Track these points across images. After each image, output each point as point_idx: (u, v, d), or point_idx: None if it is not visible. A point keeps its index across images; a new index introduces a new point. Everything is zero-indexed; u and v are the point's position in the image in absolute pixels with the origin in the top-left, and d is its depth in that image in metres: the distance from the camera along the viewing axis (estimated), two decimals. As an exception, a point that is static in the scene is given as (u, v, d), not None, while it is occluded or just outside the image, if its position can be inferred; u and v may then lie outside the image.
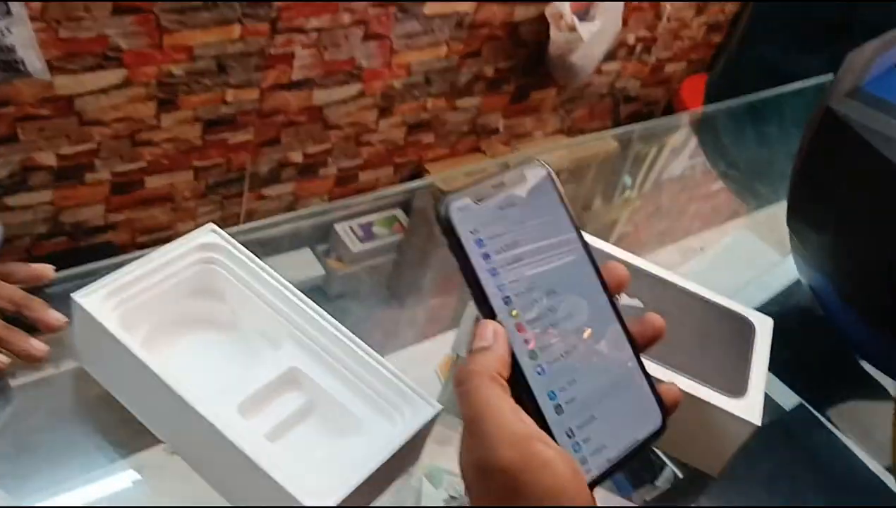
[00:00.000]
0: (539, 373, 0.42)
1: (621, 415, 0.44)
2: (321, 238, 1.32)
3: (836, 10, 1.36)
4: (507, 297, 0.42)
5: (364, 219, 1.38)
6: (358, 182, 2.20)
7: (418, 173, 2.31)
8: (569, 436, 0.42)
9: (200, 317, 0.57)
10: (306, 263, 1.54)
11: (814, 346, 0.82)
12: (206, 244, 0.57)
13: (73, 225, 1.77)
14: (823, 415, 0.77)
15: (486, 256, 0.42)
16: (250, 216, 2.03)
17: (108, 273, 0.54)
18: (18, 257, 1.72)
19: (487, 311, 0.42)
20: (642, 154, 1.36)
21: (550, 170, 0.46)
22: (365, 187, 2.23)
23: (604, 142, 1.40)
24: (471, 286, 0.42)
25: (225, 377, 0.54)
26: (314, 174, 2.09)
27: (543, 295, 0.43)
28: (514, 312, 0.42)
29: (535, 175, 0.45)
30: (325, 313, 0.56)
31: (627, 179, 1.33)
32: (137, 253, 0.58)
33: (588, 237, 0.66)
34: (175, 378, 0.49)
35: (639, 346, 0.46)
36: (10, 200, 1.65)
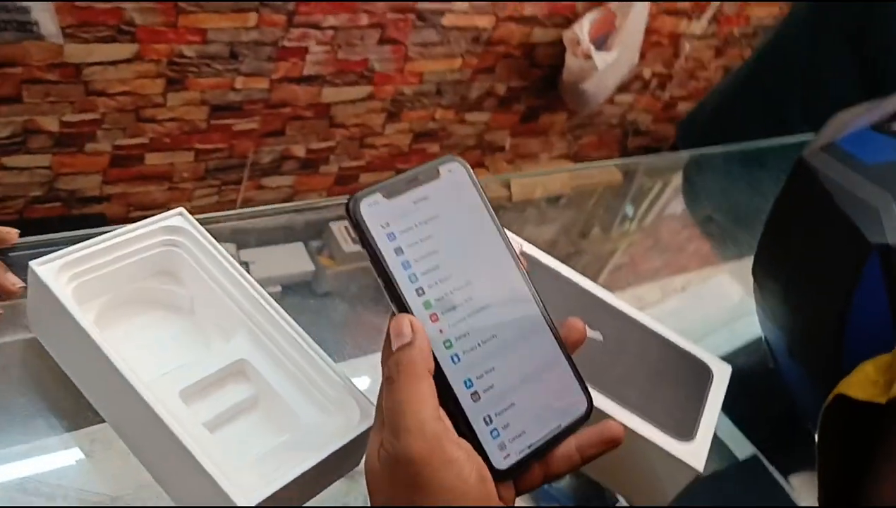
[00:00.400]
0: (454, 362, 0.43)
1: (543, 402, 0.45)
2: (315, 234, 1.32)
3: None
4: (420, 289, 0.43)
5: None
6: (358, 182, 2.20)
7: (420, 181, 2.31)
8: (486, 423, 0.43)
9: (157, 299, 0.57)
10: (297, 257, 1.54)
11: (776, 399, 0.82)
12: (172, 227, 0.57)
13: (69, 192, 1.77)
14: (776, 468, 0.76)
15: (398, 250, 0.43)
16: (247, 204, 2.03)
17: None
18: (9, 218, 1.72)
19: (398, 304, 0.43)
20: (645, 187, 1.36)
21: (466, 164, 0.46)
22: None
23: (608, 171, 1.40)
24: (381, 279, 0.43)
25: (173, 361, 0.54)
26: (315, 170, 2.09)
27: (459, 286, 0.44)
28: (426, 302, 0.43)
29: (450, 169, 0.46)
30: (280, 309, 0.56)
31: (629, 209, 1.33)
32: (112, 227, 0.58)
33: (543, 256, 0.67)
34: (121, 356, 0.49)
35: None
36: (8, 160, 1.65)
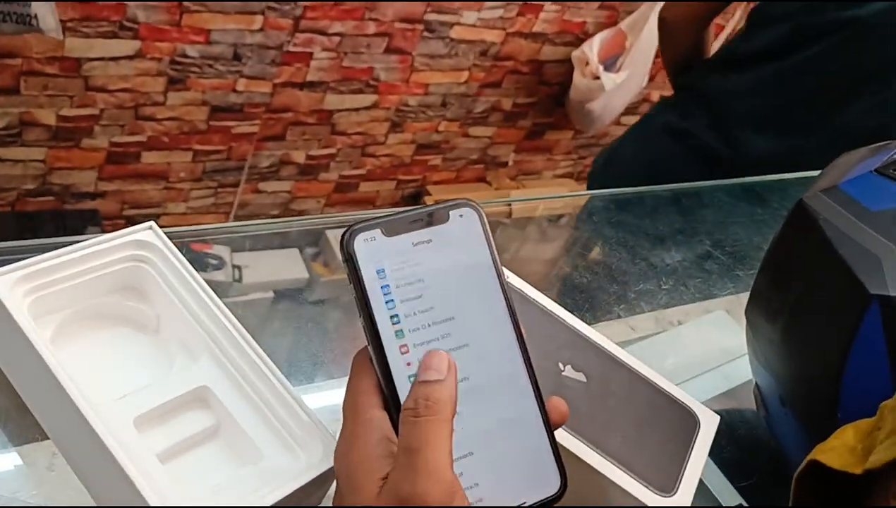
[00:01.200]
0: None
1: (511, 471, 0.43)
2: (311, 241, 1.30)
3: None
4: (400, 331, 0.42)
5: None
6: (357, 191, 2.18)
7: (420, 193, 2.29)
8: None
9: (121, 315, 0.55)
10: (292, 264, 1.52)
11: (766, 447, 0.80)
12: (141, 242, 0.55)
13: (62, 187, 1.75)
14: (762, 520, 0.74)
15: (387, 291, 0.41)
16: (243, 208, 2.01)
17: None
18: (1, 210, 1.70)
19: (375, 347, 0.41)
20: (648, 208, 1.34)
21: (481, 210, 0.44)
22: (364, 198, 2.21)
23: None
24: (362, 317, 0.42)
25: (132, 382, 0.51)
26: (314, 177, 2.07)
27: (442, 339, 0.42)
28: (402, 346, 0.41)
29: (461, 214, 0.44)
30: (248, 336, 0.53)
31: (631, 228, 1.30)
32: (79, 238, 0.56)
33: (530, 291, 0.64)
34: (74, 376, 0.47)
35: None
36: (3, 152, 1.63)
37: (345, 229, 0.41)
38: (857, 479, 0.41)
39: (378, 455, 0.40)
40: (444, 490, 0.37)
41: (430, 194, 2.27)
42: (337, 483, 0.42)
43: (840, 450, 0.44)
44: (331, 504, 0.43)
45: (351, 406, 0.42)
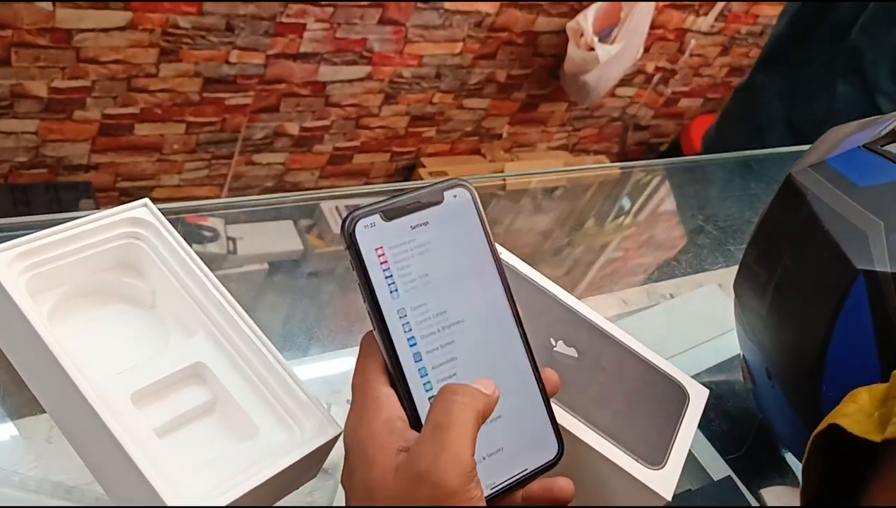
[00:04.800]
0: (427, 390, 0.43)
1: (514, 443, 0.45)
2: (306, 213, 1.30)
3: None
4: (404, 316, 0.43)
5: (352, 202, 1.37)
6: (352, 163, 2.18)
7: (414, 165, 2.29)
8: None
9: (117, 292, 0.55)
10: (287, 236, 1.52)
11: (754, 420, 0.81)
12: (136, 219, 0.55)
13: (55, 159, 1.74)
14: (750, 491, 0.75)
15: (388, 275, 0.43)
16: (237, 180, 2.00)
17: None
18: (-7, 182, 1.69)
19: (381, 329, 0.42)
20: (642, 183, 1.34)
21: (472, 189, 0.45)
22: (358, 170, 2.21)
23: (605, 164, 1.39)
24: (367, 302, 0.43)
25: (130, 357, 0.52)
26: (308, 149, 2.07)
27: (443, 316, 0.44)
28: (405, 326, 0.43)
29: (455, 194, 0.45)
30: (243, 312, 0.54)
31: (626, 202, 1.31)
32: (74, 214, 0.56)
33: (522, 266, 0.65)
34: (72, 353, 0.47)
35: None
36: (-6, 124, 1.63)
37: (345, 216, 0.42)
38: (874, 446, 0.42)
39: (388, 431, 0.41)
40: (463, 471, 0.38)
41: (424, 166, 2.27)
42: (347, 458, 0.43)
43: (858, 415, 0.44)
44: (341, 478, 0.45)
45: (360, 384, 0.44)
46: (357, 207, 0.43)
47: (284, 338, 0.81)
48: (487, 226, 0.46)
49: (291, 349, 0.80)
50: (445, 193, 0.45)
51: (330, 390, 0.75)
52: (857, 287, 0.58)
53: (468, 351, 0.44)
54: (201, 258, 0.55)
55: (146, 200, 0.56)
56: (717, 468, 0.76)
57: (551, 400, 0.48)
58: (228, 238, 1.64)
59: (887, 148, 0.62)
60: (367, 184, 2.25)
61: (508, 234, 1.19)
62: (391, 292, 0.42)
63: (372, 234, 0.42)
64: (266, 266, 1.35)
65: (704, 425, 0.78)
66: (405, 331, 0.43)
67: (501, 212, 1.23)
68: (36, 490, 0.59)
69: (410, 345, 0.43)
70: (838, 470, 0.45)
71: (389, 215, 0.43)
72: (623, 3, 2.08)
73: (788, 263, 0.64)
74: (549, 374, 0.47)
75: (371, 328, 0.44)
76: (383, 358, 0.43)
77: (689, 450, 0.59)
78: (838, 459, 0.45)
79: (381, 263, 0.42)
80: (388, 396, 0.42)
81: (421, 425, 0.42)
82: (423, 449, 0.39)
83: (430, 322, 0.43)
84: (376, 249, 0.42)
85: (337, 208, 1.31)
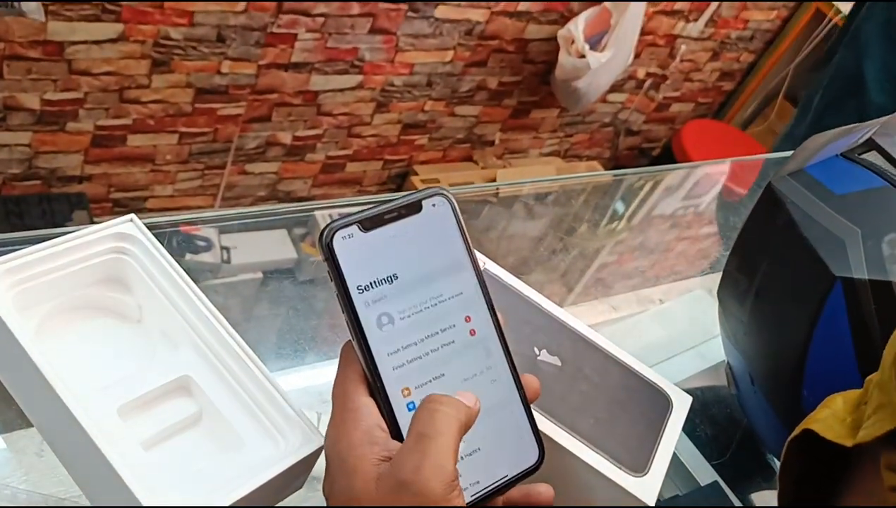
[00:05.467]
0: (410, 407, 0.43)
1: (494, 448, 0.45)
2: (299, 222, 1.30)
3: None
4: (382, 323, 0.43)
5: (347, 210, 1.37)
6: (344, 172, 2.19)
7: (407, 173, 2.29)
8: None
9: (104, 306, 0.56)
10: (281, 244, 1.53)
11: (739, 425, 0.82)
12: (122, 234, 0.56)
13: (49, 171, 1.75)
14: (737, 496, 0.76)
15: (366, 286, 0.43)
16: (230, 189, 2.01)
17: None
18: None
19: (359, 339, 0.43)
20: (634, 188, 1.35)
21: (451, 197, 0.45)
22: (351, 179, 2.22)
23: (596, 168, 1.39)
24: (345, 312, 0.43)
25: (116, 371, 0.52)
26: (301, 158, 2.07)
27: (422, 325, 0.44)
28: (384, 336, 0.43)
29: (434, 204, 0.45)
30: (228, 325, 0.54)
31: (618, 207, 1.32)
32: (60, 231, 0.57)
33: (506, 276, 0.66)
34: (59, 367, 0.48)
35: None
36: (-13, 137, 1.63)
37: (323, 227, 0.42)
38: (846, 451, 0.42)
39: (368, 441, 0.42)
40: (445, 481, 0.39)
41: (416, 174, 2.28)
42: (327, 468, 0.44)
43: (831, 421, 0.45)
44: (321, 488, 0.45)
45: (340, 394, 0.44)
46: (335, 218, 0.43)
47: (279, 347, 0.82)
48: (467, 235, 0.46)
49: (286, 358, 0.80)
50: (424, 202, 0.45)
51: (320, 400, 0.76)
52: (834, 293, 0.58)
53: (447, 360, 0.44)
54: (195, 268, 0.56)
55: (132, 215, 0.57)
56: (704, 473, 0.76)
57: (532, 406, 0.48)
58: (222, 247, 1.65)
59: (864, 156, 0.63)
60: (360, 192, 2.25)
61: (501, 241, 1.20)
62: (369, 302, 0.43)
63: (350, 245, 0.42)
64: (260, 275, 1.35)
65: (691, 430, 0.79)
66: (384, 343, 0.43)
67: (494, 218, 1.24)
68: (27, 503, 0.60)
69: (389, 355, 0.43)
70: (814, 475, 0.46)
71: (367, 226, 0.43)
72: (613, 10, 2.09)
73: (768, 270, 0.65)
74: (529, 380, 0.48)
75: (350, 338, 0.44)
76: (362, 368, 0.44)
77: (676, 455, 0.60)
78: (814, 464, 0.46)
79: (360, 274, 0.42)
80: (368, 405, 0.43)
81: (400, 434, 0.42)
82: (407, 458, 0.40)
83: (409, 331, 0.44)
84: (355, 260, 0.42)
85: (331, 216, 1.32)
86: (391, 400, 0.43)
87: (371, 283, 0.43)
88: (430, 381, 0.44)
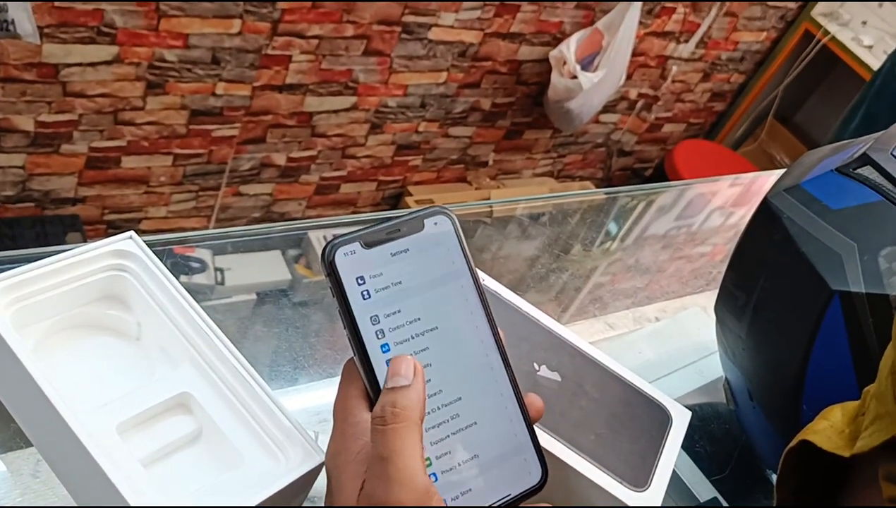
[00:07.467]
0: None
1: (497, 467, 0.45)
2: (293, 243, 1.30)
3: None
4: (384, 341, 0.43)
5: (339, 231, 1.37)
6: (338, 193, 2.19)
7: (401, 193, 2.30)
8: (434, 479, 0.43)
9: (103, 324, 0.55)
10: (274, 266, 1.53)
11: (738, 441, 0.81)
12: (121, 251, 0.56)
13: (43, 193, 1.74)
14: (736, 512, 0.75)
15: (369, 304, 0.43)
16: (224, 211, 2.01)
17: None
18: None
19: (361, 355, 0.43)
20: (628, 208, 1.36)
21: (453, 215, 0.46)
22: (345, 200, 2.22)
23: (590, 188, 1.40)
24: (347, 328, 0.43)
25: (115, 389, 0.52)
26: (295, 179, 2.08)
27: (425, 343, 0.44)
28: (386, 355, 0.43)
29: (435, 222, 0.45)
30: (228, 342, 0.54)
31: (612, 227, 1.32)
32: (60, 248, 0.57)
33: (505, 292, 0.66)
34: (58, 384, 0.48)
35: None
36: (-20, 159, 1.63)
37: (325, 245, 0.43)
38: (844, 461, 0.42)
39: (363, 459, 0.42)
40: (418, 496, 0.39)
41: (411, 195, 2.28)
42: (329, 483, 0.44)
43: (829, 432, 0.45)
44: (313, 505, 0.45)
45: (340, 410, 0.44)
46: (337, 236, 0.43)
47: (273, 368, 0.81)
48: (469, 253, 0.46)
49: (280, 378, 0.80)
50: (426, 221, 0.45)
51: (317, 419, 0.76)
52: (832, 307, 0.59)
53: (450, 378, 0.44)
54: (189, 289, 0.56)
55: (131, 232, 0.57)
56: (703, 489, 0.76)
57: (535, 424, 0.48)
58: (216, 268, 1.64)
59: (859, 171, 0.63)
60: (354, 213, 2.26)
61: (496, 261, 1.20)
62: (371, 319, 0.43)
63: (352, 262, 0.43)
64: (254, 296, 1.35)
65: (689, 447, 0.79)
66: (386, 362, 0.43)
67: (488, 239, 1.24)
68: (22, 524, 0.59)
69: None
70: (812, 487, 0.46)
71: (369, 243, 0.43)
72: (605, 32, 2.11)
73: (766, 285, 0.65)
74: (532, 399, 0.48)
75: (352, 354, 0.44)
76: (364, 385, 0.44)
77: (676, 472, 0.60)
78: (812, 476, 0.46)
79: (361, 291, 0.43)
80: (368, 422, 0.43)
81: None
82: (374, 484, 0.40)
83: (410, 348, 0.44)
84: (356, 277, 0.43)
85: (325, 237, 1.31)
86: None
87: (374, 300, 0.43)
88: (431, 397, 0.44)
